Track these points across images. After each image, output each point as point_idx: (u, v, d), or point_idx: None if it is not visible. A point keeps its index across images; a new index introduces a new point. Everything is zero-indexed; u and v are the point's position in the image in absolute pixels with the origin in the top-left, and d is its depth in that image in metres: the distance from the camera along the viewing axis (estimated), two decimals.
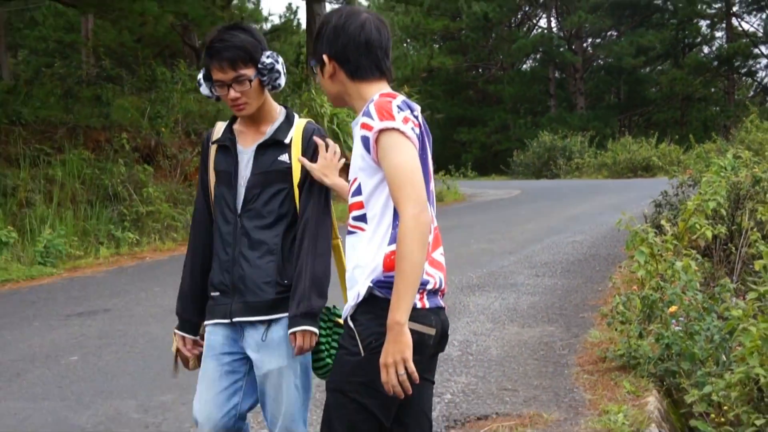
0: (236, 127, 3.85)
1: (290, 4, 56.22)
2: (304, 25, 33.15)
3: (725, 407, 5.26)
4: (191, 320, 3.88)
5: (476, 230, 17.93)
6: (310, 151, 3.76)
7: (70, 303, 10.62)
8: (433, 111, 34.34)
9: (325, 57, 3.23)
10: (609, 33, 58.13)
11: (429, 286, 3.08)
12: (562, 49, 56.30)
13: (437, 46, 59.06)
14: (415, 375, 2.91)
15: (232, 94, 3.64)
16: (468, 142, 55.63)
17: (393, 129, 3.01)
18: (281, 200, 3.72)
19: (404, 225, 2.92)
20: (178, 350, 3.92)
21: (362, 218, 3.15)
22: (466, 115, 57.19)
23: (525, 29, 61.14)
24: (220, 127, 3.89)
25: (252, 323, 3.68)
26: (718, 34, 57.61)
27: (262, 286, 3.66)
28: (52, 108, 19.50)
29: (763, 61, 56.46)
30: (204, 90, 3.78)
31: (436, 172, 29.69)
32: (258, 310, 3.66)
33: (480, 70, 61.82)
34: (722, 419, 5.28)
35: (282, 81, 3.74)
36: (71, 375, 7.29)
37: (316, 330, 3.58)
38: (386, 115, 3.02)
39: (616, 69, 55.42)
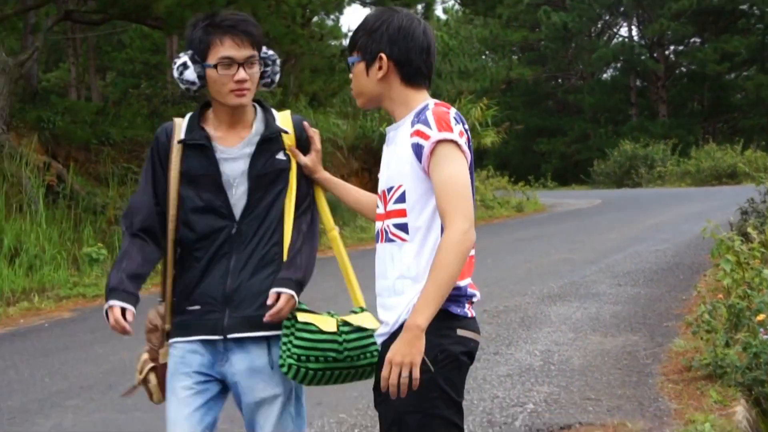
0: (209, 129, 3.41)
1: None
2: None
3: None
4: (135, 294, 3.32)
5: (557, 240, 17.80)
6: (305, 144, 3.47)
7: None
8: (512, 122, 34.05)
9: (383, 56, 3.05)
10: (692, 40, 56.89)
11: (474, 299, 3.04)
12: (643, 57, 55.52)
13: (516, 57, 58.70)
14: (417, 383, 2.82)
15: (242, 74, 3.24)
16: (548, 152, 55.22)
17: (450, 141, 2.91)
18: (283, 201, 3.39)
19: (451, 237, 2.83)
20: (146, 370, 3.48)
21: (404, 227, 3.02)
22: (545, 126, 56.80)
23: (605, 38, 60.50)
24: (180, 124, 3.45)
25: (242, 346, 3.29)
26: None
27: (265, 300, 3.26)
28: (139, 127, 19.82)
29: None
30: (190, 75, 3.31)
31: (515, 182, 29.75)
32: (258, 325, 3.26)
33: (559, 80, 61.46)
34: None
35: (277, 79, 3.47)
36: None
37: (296, 302, 3.27)
38: (445, 126, 2.91)
39: (700, 76, 54.25)
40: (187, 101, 22.52)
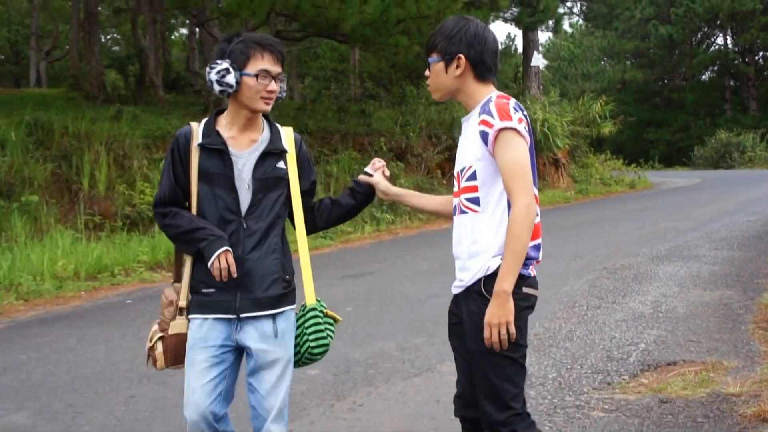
0: (222, 131, 3.19)
1: (509, 33, 56.11)
2: (520, 49, 32.71)
3: None
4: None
5: (663, 211, 17.25)
6: (303, 158, 3.34)
7: (344, 267, 10.92)
8: (626, 115, 33.13)
9: (462, 56, 2.95)
10: None
11: (537, 261, 2.97)
12: (736, 62, 53.18)
13: (629, 62, 57.14)
14: (514, 336, 2.81)
15: (274, 86, 3.12)
16: (655, 140, 53.53)
17: (510, 128, 2.82)
18: (282, 204, 3.23)
19: (518, 211, 2.78)
20: (161, 338, 3.23)
21: (475, 201, 2.95)
22: (653, 118, 55.01)
23: (704, 46, 58.01)
24: (197, 129, 3.21)
25: (253, 319, 3.15)
26: None
27: (271, 283, 3.15)
28: (329, 120, 20.16)
29: None
30: (231, 79, 3.08)
31: (628, 164, 28.93)
32: (266, 305, 3.14)
33: (665, 81, 59.28)
34: None
35: (284, 95, 3.29)
36: (347, 321, 7.47)
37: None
38: (505, 116, 2.83)
39: None
40: (365, 100, 22.79)
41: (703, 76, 58.97)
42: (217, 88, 3.11)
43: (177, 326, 3.21)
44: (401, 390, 5.45)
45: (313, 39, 25.20)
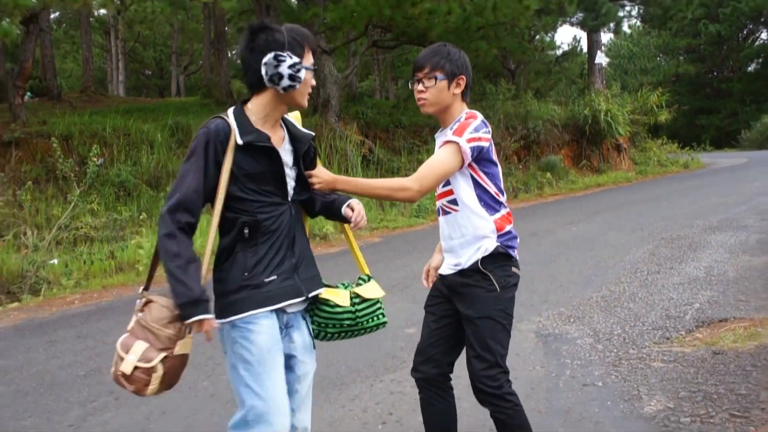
0: (259, 127, 2.51)
1: (575, 35, 54.86)
2: (585, 49, 31.89)
3: None
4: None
5: (714, 188, 16.63)
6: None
7: (435, 242, 10.90)
8: (680, 104, 31.96)
9: (463, 77, 2.89)
10: None
11: (516, 243, 2.92)
12: None
13: (682, 57, 55.10)
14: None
15: (314, 80, 2.56)
16: (706, 125, 51.62)
17: (454, 142, 2.76)
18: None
19: (402, 182, 2.77)
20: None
21: (454, 202, 2.89)
22: (704, 106, 53.04)
23: (750, 41, 55.49)
24: (234, 126, 2.46)
25: (297, 323, 2.61)
26: None
27: (312, 262, 2.66)
28: (420, 115, 20.08)
29: None
30: (304, 73, 2.48)
31: (682, 147, 27.94)
32: (320, 283, 2.67)
33: (715, 73, 56.91)
34: None
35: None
36: None
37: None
38: (458, 133, 2.77)
39: None
40: None
41: (749, 68, 56.46)
42: (286, 82, 2.45)
43: (185, 345, 2.39)
44: None
45: (405, 46, 25.16)
